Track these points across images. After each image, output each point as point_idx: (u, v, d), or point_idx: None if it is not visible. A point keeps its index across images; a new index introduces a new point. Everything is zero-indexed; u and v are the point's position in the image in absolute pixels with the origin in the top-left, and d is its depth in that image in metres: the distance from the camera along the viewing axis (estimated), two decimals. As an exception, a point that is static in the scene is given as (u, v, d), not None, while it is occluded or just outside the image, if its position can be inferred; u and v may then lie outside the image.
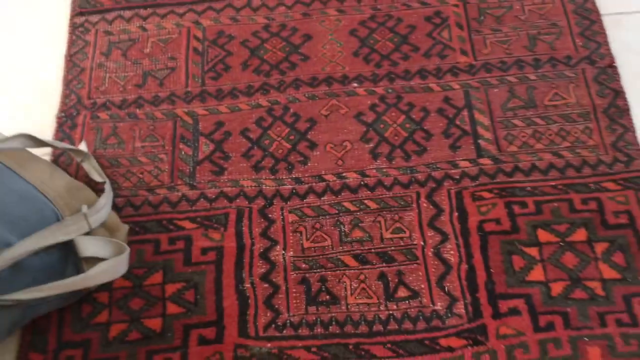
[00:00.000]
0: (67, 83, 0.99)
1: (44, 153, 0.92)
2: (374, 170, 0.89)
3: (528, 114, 0.92)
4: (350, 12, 1.03)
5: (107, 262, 0.75)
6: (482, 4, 1.02)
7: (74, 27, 1.05)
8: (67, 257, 0.76)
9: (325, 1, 1.05)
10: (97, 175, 0.88)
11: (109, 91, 0.98)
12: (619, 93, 0.93)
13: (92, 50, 1.02)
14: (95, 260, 0.76)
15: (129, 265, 0.78)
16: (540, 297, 0.79)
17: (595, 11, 1.00)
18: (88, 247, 0.76)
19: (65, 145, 0.90)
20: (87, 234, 0.77)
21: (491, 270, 0.81)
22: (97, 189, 0.87)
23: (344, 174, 0.89)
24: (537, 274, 0.80)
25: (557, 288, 0.79)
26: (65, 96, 0.98)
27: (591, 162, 0.88)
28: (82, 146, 0.91)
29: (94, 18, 1.05)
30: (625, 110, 0.91)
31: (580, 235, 0.82)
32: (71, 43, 1.03)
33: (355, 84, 0.96)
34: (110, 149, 0.93)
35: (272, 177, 0.90)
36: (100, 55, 1.02)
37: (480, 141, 0.91)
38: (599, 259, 0.81)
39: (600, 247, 0.81)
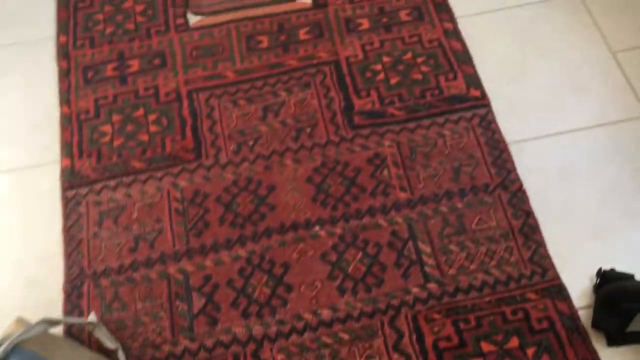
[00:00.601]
0: (68, 255, 1.14)
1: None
2: (343, 305, 1.08)
3: (460, 239, 1.13)
4: (304, 161, 1.23)
5: None
6: (411, 143, 1.24)
7: (66, 201, 1.20)
8: None
9: (282, 153, 1.24)
10: (109, 343, 1.03)
11: (106, 259, 1.14)
12: (529, 213, 1.15)
13: (86, 221, 1.17)
14: None
15: None
16: (489, 401, 0.99)
17: (502, 141, 1.23)
18: (117, 417, 0.91)
19: (77, 320, 1.05)
20: (113, 403, 0.92)
21: (448, 382, 1.00)
22: (110, 352, 1.02)
23: (318, 311, 1.07)
24: (484, 380, 1.00)
25: (502, 391, 0.99)
26: (69, 268, 1.13)
27: (515, 277, 1.09)
28: (92, 317, 1.05)
29: (83, 190, 1.21)
30: (536, 228, 1.13)
31: (514, 342, 1.02)
32: (66, 216, 1.18)
33: (317, 227, 1.15)
34: (116, 313, 1.08)
35: (259, 321, 1.07)
36: (93, 225, 1.17)
37: (425, 268, 1.10)
38: (531, 361, 1.01)
39: (530, 351, 1.02)
